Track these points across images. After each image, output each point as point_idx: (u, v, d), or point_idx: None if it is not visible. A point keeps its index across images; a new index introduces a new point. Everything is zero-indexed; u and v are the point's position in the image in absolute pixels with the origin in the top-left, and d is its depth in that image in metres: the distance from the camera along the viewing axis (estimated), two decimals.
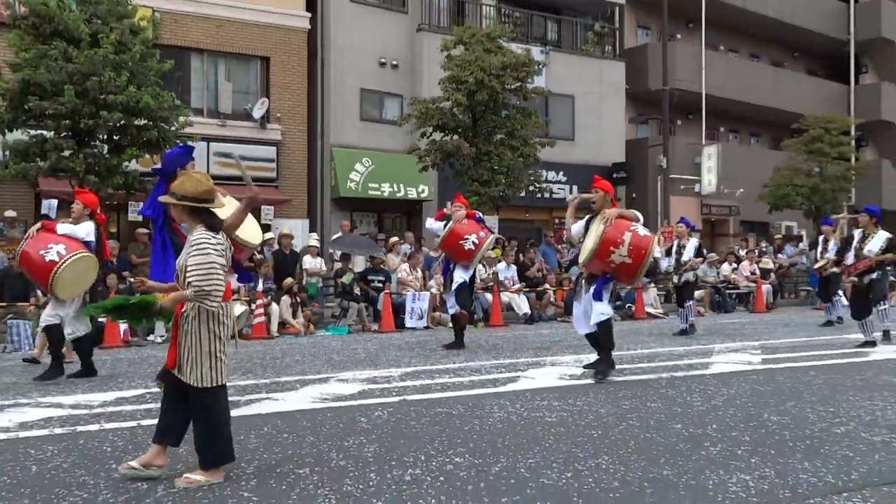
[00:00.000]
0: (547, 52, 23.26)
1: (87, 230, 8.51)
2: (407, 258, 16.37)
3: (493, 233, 11.61)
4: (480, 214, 11.52)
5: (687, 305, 13.24)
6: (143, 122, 14.27)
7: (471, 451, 5.08)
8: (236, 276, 7.19)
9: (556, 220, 24.40)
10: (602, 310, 8.09)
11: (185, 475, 4.39)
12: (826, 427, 5.74)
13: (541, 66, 19.12)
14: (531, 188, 19.34)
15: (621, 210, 8.24)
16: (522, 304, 16.40)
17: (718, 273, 19.90)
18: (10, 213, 16.10)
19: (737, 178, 27.15)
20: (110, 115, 13.62)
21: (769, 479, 4.41)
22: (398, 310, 15.03)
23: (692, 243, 13.53)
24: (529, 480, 4.42)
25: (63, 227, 8.57)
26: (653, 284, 17.97)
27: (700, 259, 13.85)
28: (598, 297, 8.09)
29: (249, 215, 6.46)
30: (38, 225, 8.75)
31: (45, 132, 14.06)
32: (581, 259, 8.38)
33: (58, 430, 5.83)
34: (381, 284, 15.29)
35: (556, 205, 23.81)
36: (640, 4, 28.03)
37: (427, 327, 14.83)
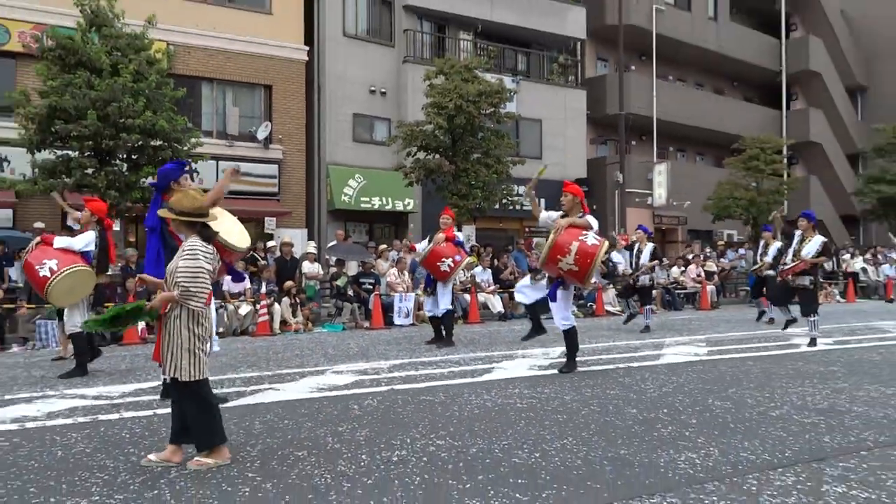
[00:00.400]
0: (517, 81, 23.34)
1: (86, 241, 8.23)
2: (395, 263, 16.33)
3: (469, 254, 11.30)
4: (460, 237, 11.17)
5: (646, 309, 13.08)
6: (158, 143, 14.19)
7: (451, 435, 5.07)
8: (229, 276, 7.10)
9: (527, 230, 24.46)
10: (564, 322, 7.99)
11: (196, 458, 4.35)
12: (763, 411, 5.78)
13: (512, 94, 19.17)
14: (504, 201, 19.36)
15: (573, 220, 7.84)
16: (497, 304, 16.42)
17: (669, 275, 20.01)
18: (38, 225, 15.90)
19: (684, 191, 27.38)
20: (129, 136, 13.53)
21: (713, 457, 4.43)
22: (387, 309, 14.99)
23: (648, 248, 13.29)
24: (503, 460, 4.42)
25: (60, 241, 8.32)
26: (612, 286, 17.99)
27: (656, 262, 13.62)
28: (552, 297, 7.95)
29: (240, 224, 6.46)
30: (38, 239, 8.54)
31: (70, 152, 13.96)
32: (538, 263, 8.34)
33: (81, 419, 5.76)
34: (371, 286, 15.25)
35: (526, 216, 23.77)
36: (599, 39, 28.20)
37: (413, 324, 14.79)
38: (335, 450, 4.71)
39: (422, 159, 18.43)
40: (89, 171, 13.74)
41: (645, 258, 13.16)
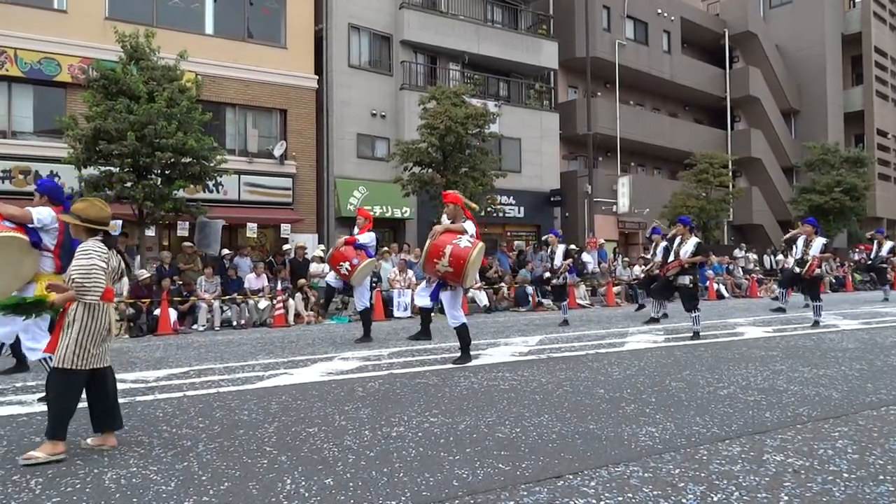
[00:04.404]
0: (499, 105, 23.34)
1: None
2: (394, 264, 16.29)
3: (370, 257, 10.17)
4: (361, 241, 10.12)
5: (563, 304, 12.72)
6: (188, 160, 14.11)
7: (443, 413, 5.05)
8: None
9: (508, 234, 24.48)
10: (453, 320, 7.54)
11: (29, 452, 3.97)
12: (713, 390, 5.77)
13: (495, 116, 19.14)
14: (488, 209, 19.33)
15: (448, 225, 7.45)
16: (483, 298, 16.39)
17: (631, 273, 20.01)
18: None
19: (644, 200, 27.41)
20: (163, 154, 13.44)
21: (670, 431, 4.42)
22: (387, 303, 14.95)
23: (560, 249, 12.78)
24: (488, 435, 4.40)
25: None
26: (582, 282, 17.93)
27: (569, 261, 12.90)
28: (433, 297, 7.58)
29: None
30: None
31: (112, 168, 13.86)
32: (419, 266, 7.89)
33: (120, 400, 5.61)
34: (374, 284, 15.15)
35: (508, 221, 23.88)
36: (570, 69, 28.23)
37: (410, 316, 14.75)
38: (342, 426, 4.67)
39: (417, 173, 18.39)
40: (128, 184, 13.67)
41: (558, 259, 12.67)
